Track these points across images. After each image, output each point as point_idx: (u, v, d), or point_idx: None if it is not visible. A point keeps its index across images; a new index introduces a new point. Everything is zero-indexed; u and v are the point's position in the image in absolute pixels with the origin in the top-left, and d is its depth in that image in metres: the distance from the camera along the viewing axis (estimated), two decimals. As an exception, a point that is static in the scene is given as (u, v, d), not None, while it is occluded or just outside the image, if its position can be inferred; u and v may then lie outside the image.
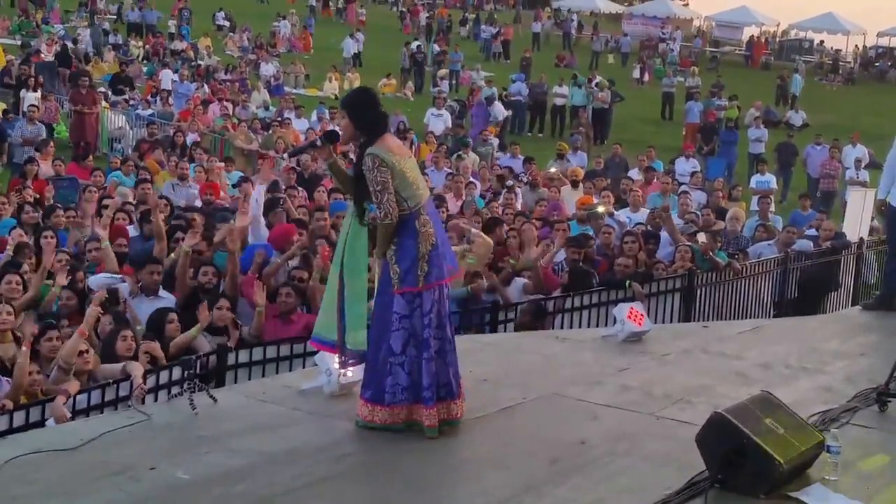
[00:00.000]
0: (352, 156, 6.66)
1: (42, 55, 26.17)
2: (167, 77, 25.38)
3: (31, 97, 19.36)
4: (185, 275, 8.29)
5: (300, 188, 12.61)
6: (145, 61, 30.46)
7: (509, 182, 14.75)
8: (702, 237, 10.31)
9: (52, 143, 15.89)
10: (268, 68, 29.75)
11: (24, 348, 6.44)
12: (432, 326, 5.02)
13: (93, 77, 22.99)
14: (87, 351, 6.69)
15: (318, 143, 5.28)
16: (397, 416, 5.07)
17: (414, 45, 33.95)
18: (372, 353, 5.14)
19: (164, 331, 7.41)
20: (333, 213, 10.30)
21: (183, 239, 8.65)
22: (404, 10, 49.90)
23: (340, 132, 5.33)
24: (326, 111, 20.97)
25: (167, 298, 8.13)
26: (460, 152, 17.58)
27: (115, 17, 39.83)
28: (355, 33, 35.72)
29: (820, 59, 46.28)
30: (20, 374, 6.29)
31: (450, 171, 15.31)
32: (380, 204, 4.94)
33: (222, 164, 14.75)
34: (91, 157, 15.70)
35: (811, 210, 14.25)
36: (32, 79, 20.63)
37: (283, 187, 12.37)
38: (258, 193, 10.15)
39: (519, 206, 12.79)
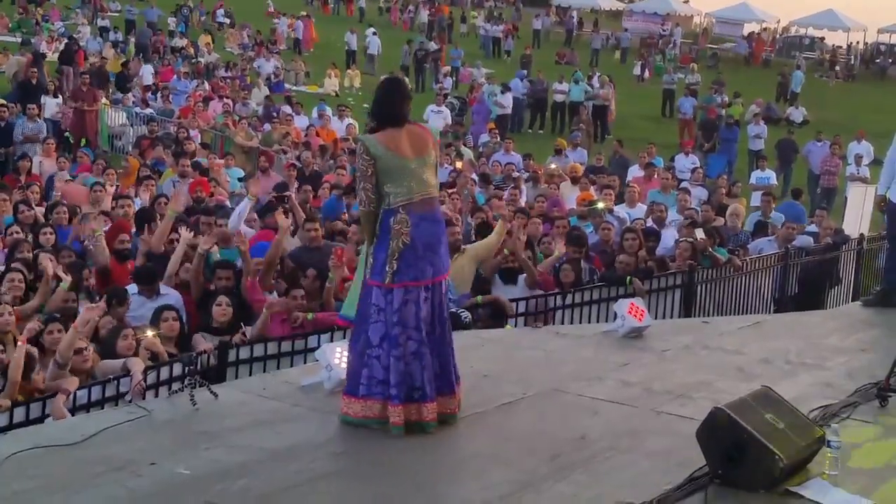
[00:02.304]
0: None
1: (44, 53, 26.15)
2: (147, 72, 25.43)
3: (51, 103, 19.23)
4: (199, 275, 8.34)
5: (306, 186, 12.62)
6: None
7: (515, 174, 14.77)
8: (699, 233, 10.30)
9: (51, 141, 15.88)
10: (268, 65, 29.72)
11: (20, 343, 6.42)
12: (406, 326, 4.99)
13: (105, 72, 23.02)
14: (85, 349, 6.70)
15: None
16: (370, 410, 5.05)
17: (416, 41, 33.98)
18: (352, 344, 5.16)
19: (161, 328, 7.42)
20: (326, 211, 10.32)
21: (178, 238, 8.72)
22: (388, 6, 49.89)
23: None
24: (327, 108, 20.99)
25: (168, 296, 8.13)
26: (455, 147, 17.58)
27: (117, 13, 39.82)
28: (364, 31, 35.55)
29: (820, 55, 46.22)
30: (15, 369, 6.28)
31: (450, 167, 15.29)
32: (357, 191, 5.14)
33: (221, 161, 14.75)
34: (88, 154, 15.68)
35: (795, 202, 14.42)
36: (52, 83, 20.50)
37: (296, 186, 12.36)
38: (243, 208, 9.90)
39: (523, 203, 12.76)
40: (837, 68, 42.90)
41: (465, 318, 7.77)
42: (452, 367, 5.21)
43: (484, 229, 9.96)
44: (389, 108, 5.10)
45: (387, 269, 4.97)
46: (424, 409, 5.05)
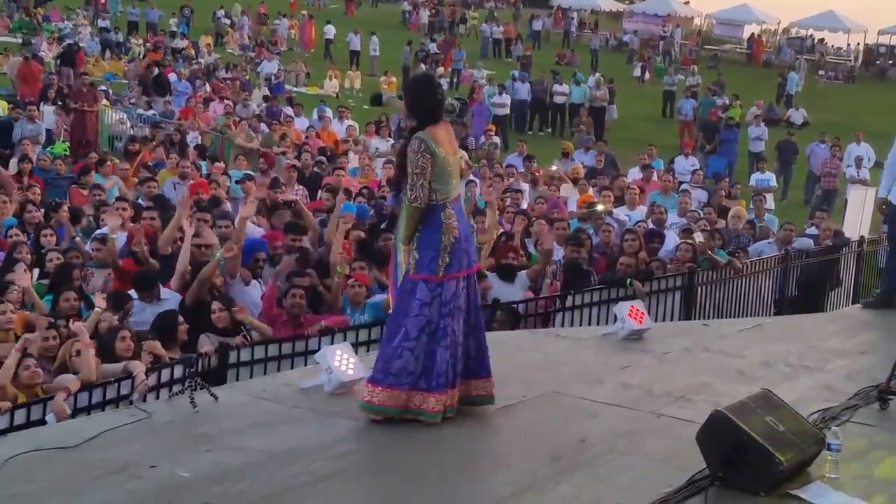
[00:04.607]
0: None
1: (43, 54, 26.10)
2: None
3: (48, 111, 19.19)
4: (208, 282, 8.23)
5: (301, 186, 12.61)
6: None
7: (517, 176, 14.77)
8: (699, 236, 10.30)
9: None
10: (268, 66, 29.72)
11: (14, 351, 6.41)
12: (450, 317, 5.12)
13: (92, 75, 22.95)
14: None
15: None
16: (396, 400, 5.12)
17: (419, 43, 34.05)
18: (388, 336, 5.23)
19: (176, 332, 7.41)
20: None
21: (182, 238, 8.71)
22: (409, 9, 49.83)
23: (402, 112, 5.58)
24: (327, 109, 21.01)
25: (168, 300, 8.11)
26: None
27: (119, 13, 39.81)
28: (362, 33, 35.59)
29: (821, 57, 46.18)
30: (4, 374, 6.28)
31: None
32: (412, 186, 5.09)
33: (222, 164, 14.74)
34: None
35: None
36: (51, 90, 20.46)
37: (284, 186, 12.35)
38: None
39: (525, 206, 12.73)
40: (822, 71, 42.76)
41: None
42: (486, 350, 5.34)
43: None
44: (432, 106, 5.21)
45: (439, 262, 5.11)
46: (447, 394, 5.17)
